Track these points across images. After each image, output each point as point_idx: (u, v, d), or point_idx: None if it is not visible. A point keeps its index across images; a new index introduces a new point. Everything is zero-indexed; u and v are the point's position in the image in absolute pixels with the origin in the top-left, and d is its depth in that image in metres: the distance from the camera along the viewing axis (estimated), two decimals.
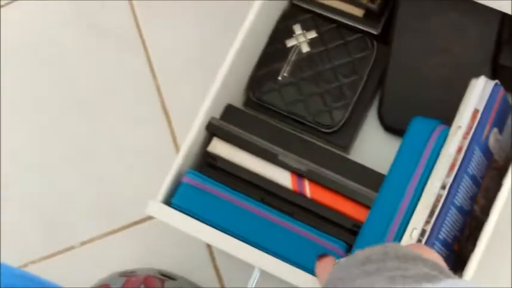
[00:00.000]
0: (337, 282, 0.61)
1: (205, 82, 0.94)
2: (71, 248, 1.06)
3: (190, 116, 0.91)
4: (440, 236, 0.82)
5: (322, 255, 0.78)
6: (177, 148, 1.07)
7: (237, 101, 1.00)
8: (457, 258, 0.88)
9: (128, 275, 0.99)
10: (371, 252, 0.63)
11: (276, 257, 0.83)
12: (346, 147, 0.97)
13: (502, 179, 0.92)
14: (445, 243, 0.83)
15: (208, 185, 0.88)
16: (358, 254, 0.64)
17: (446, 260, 0.83)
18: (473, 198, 0.86)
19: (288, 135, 0.92)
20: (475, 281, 0.91)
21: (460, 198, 0.83)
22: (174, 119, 1.08)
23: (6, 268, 0.73)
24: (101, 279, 1.00)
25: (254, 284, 0.86)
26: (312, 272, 0.82)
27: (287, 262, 0.83)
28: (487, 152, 0.86)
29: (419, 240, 0.81)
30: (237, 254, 0.84)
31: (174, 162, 0.89)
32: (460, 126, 0.84)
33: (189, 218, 0.86)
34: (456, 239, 0.85)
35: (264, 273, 0.85)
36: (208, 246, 1.03)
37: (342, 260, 0.67)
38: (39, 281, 0.76)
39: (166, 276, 0.99)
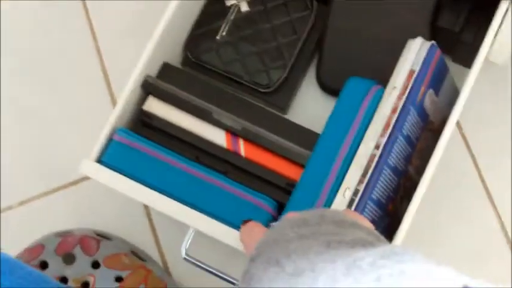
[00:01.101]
0: (271, 245, 0.59)
1: (146, 43, 0.92)
2: (9, 207, 1.04)
3: (128, 76, 0.90)
4: (373, 196, 0.81)
5: (246, 221, 0.76)
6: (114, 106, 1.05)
7: (176, 60, 0.99)
8: (392, 218, 0.87)
9: (63, 235, 0.97)
10: (307, 215, 0.61)
11: (209, 216, 0.82)
12: (284, 107, 0.96)
13: (437, 140, 0.92)
14: (378, 203, 0.83)
15: (139, 143, 0.87)
16: (294, 216, 0.62)
17: (380, 220, 0.83)
18: (407, 159, 0.86)
19: (224, 94, 0.90)
20: (409, 244, 0.91)
21: (394, 159, 0.83)
22: (113, 80, 1.06)
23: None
24: (36, 239, 0.98)
25: (188, 243, 0.85)
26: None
27: (220, 221, 0.82)
28: (422, 113, 0.86)
29: (352, 200, 0.81)
30: (169, 212, 0.83)
31: (108, 120, 0.88)
32: (395, 87, 0.84)
33: (121, 176, 0.84)
34: (390, 199, 0.85)
35: (199, 233, 0.84)
36: (145, 207, 1.01)
37: (276, 222, 0.65)
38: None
39: (103, 237, 0.98)
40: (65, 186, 1.04)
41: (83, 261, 0.94)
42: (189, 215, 0.83)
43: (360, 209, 0.80)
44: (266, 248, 0.58)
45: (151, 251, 1.00)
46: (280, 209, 0.86)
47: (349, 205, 0.80)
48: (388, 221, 0.87)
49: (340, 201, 0.81)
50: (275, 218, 0.85)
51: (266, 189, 0.87)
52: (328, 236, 0.56)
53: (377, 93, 0.85)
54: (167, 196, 0.83)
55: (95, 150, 0.87)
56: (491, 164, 1.00)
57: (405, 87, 0.84)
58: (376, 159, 0.82)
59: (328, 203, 0.82)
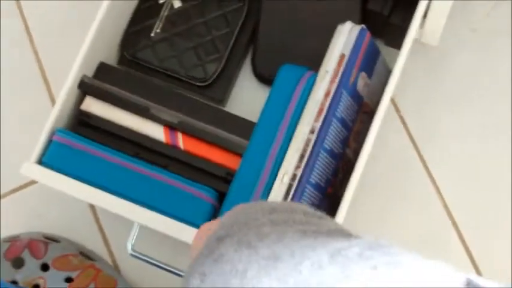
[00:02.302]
0: (242, 227, 0.56)
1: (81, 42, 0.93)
2: None
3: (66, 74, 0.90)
4: (311, 180, 0.83)
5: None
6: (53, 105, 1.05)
7: (112, 59, 0.99)
8: (331, 201, 0.89)
9: (11, 240, 0.97)
10: (276, 205, 0.60)
11: (152, 210, 0.83)
12: (222, 100, 0.97)
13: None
14: (317, 187, 0.84)
15: (79, 142, 0.87)
16: (263, 203, 0.61)
17: (320, 202, 0.85)
18: (344, 142, 0.87)
19: (161, 89, 0.91)
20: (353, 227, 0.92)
21: (330, 142, 0.84)
22: (53, 82, 1.06)
23: None
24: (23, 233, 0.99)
25: (134, 239, 0.86)
26: (184, 221, 0.83)
27: (162, 214, 0.83)
28: (355, 96, 0.87)
29: (290, 185, 0.82)
30: (112, 209, 0.84)
31: (47, 121, 0.88)
32: (327, 71, 0.85)
33: (63, 176, 0.85)
34: (329, 182, 0.87)
35: (145, 228, 0.85)
36: (91, 206, 1.02)
37: (241, 205, 0.62)
38: None
39: (50, 239, 0.98)
40: (10, 192, 1.03)
41: (32, 265, 0.94)
42: (132, 210, 0.83)
43: (298, 193, 0.81)
44: (235, 229, 0.56)
45: (100, 250, 1.00)
46: (222, 198, 0.86)
47: (288, 190, 0.82)
48: (327, 203, 0.88)
49: (279, 186, 0.82)
50: (216, 208, 0.86)
51: (207, 180, 0.88)
52: (302, 225, 0.55)
53: (310, 78, 0.86)
54: (110, 193, 0.84)
55: (35, 152, 0.87)
56: (430, 144, 1.02)
57: (337, 71, 0.85)
58: (311, 143, 0.83)
59: (267, 188, 0.83)
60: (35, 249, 0.96)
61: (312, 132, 0.83)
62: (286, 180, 0.82)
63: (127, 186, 0.86)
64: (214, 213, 0.85)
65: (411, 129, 1.02)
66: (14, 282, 0.94)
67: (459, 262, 0.98)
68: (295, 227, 0.54)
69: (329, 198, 0.88)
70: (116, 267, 0.99)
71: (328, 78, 0.85)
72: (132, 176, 0.86)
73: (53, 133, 0.88)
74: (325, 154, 0.84)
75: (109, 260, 0.99)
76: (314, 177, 0.83)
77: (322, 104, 0.84)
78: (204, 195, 0.85)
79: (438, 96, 1.03)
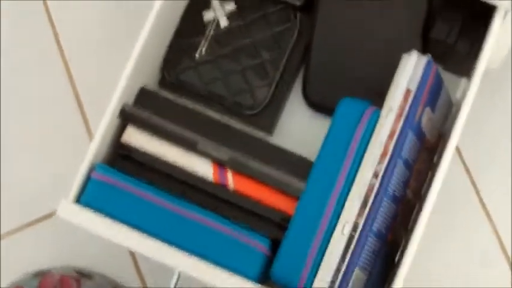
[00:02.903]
0: None
1: (119, 63, 0.86)
2: None
3: (103, 102, 0.83)
4: (374, 228, 0.76)
5: None
6: (90, 135, 0.98)
7: (153, 82, 0.92)
8: (391, 247, 0.83)
9: (41, 275, 0.92)
10: None
11: (196, 257, 0.77)
12: (270, 128, 0.90)
13: (433, 159, 0.88)
14: (379, 235, 0.78)
15: (120, 180, 0.81)
16: None
17: (380, 250, 0.79)
18: (406, 184, 0.81)
19: (207, 120, 0.84)
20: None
21: (393, 186, 0.78)
22: (86, 104, 0.99)
23: None
24: (13, 281, 0.93)
25: (176, 284, 0.80)
26: (235, 271, 0.77)
27: (208, 261, 0.77)
28: (419, 134, 0.81)
29: (351, 236, 0.76)
30: (153, 256, 0.78)
31: (86, 155, 0.81)
32: (391, 108, 0.78)
33: (103, 219, 0.79)
34: (389, 228, 0.80)
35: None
36: None
37: None
38: None
39: (82, 274, 0.92)
40: (39, 220, 0.98)
41: None
42: (176, 258, 0.77)
43: (361, 244, 0.75)
44: None
45: (135, 286, 0.94)
46: (275, 246, 0.80)
47: (349, 241, 0.76)
48: (387, 251, 0.82)
49: (339, 237, 0.76)
50: (270, 258, 0.80)
51: (259, 225, 0.81)
52: None
53: (372, 115, 0.79)
54: (152, 237, 0.78)
55: (72, 190, 0.81)
56: (485, 174, 0.96)
57: (402, 109, 0.78)
58: (375, 189, 0.76)
59: (327, 237, 0.77)
60: (67, 286, 0.90)
61: (375, 176, 0.77)
62: (347, 230, 0.76)
63: (172, 230, 0.79)
64: (267, 263, 0.79)
65: (466, 158, 0.95)
66: None
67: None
68: None
69: (388, 246, 0.82)
70: None
71: (392, 116, 0.78)
72: (176, 220, 0.80)
73: (92, 169, 0.82)
74: (388, 200, 0.78)
75: None
76: (376, 225, 0.77)
77: (386, 146, 0.77)
78: (257, 243, 0.79)
79: (496, 121, 0.96)
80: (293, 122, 0.93)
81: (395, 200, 0.79)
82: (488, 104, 0.97)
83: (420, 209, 0.81)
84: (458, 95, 0.94)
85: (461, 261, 0.93)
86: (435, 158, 0.89)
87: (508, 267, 0.93)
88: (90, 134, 0.97)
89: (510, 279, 0.93)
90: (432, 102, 0.82)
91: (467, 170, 0.95)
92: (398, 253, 0.87)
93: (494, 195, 0.95)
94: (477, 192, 0.95)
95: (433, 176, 0.82)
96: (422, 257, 0.93)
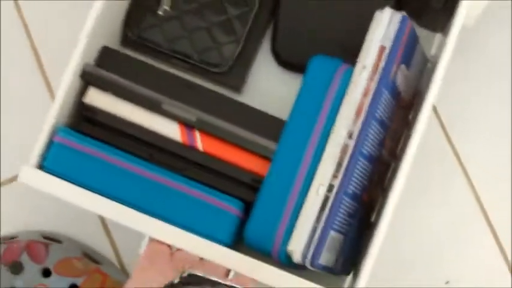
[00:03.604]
0: None
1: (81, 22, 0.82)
2: None
3: (64, 62, 0.79)
4: (349, 190, 0.74)
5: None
6: (52, 95, 0.94)
7: (115, 41, 0.88)
8: (366, 208, 0.81)
9: (7, 241, 0.88)
10: None
11: (167, 222, 0.74)
12: (238, 87, 0.87)
13: (408, 117, 0.86)
14: (354, 196, 0.76)
15: (84, 144, 0.77)
16: None
17: (356, 212, 0.77)
18: (381, 143, 0.79)
19: (173, 80, 0.81)
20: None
21: (368, 146, 0.76)
22: (47, 64, 0.95)
23: None
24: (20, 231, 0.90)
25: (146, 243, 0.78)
26: (207, 236, 0.74)
27: (180, 227, 0.74)
28: (394, 92, 0.78)
29: (326, 197, 0.73)
30: (121, 221, 0.75)
31: (47, 118, 0.78)
32: (365, 66, 0.76)
33: (66, 184, 0.75)
34: (365, 189, 0.78)
35: None
36: None
37: None
38: None
39: (51, 239, 0.89)
40: (2, 184, 0.94)
41: (32, 270, 0.85)
42: (146, 223, 0.74)
43: (336, 205, 0.73)
44: None
45: (106, 250, 0.91)
46: (247, 208, 0.78)
47: (324, 202, 0.73)
48: (363, 212, 0.80)
49: (314, 199, 0.74)
50: (242, 220, 0.77)
51: (230, 186, 0.79)
52: None
53: (346, 73, 0.77)
54: (120, 203, 0.75)
55: (34, 154, 0.77)
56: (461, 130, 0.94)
57: (376, 66, 0.76)
58: (350, 150, 0.74)
59: (301, 198, 0.74)
60: (34, 252, 0.87)
61: (349, 137, 0.74)
62: (322, 192, 0.73)
63: (139, 195, 0.76)
64: (240, 226, 0.77)
65: (442, 116, 0.94)
66: None
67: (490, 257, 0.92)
68: None
69: (364, 206, 0.80)
70: (124, 271, 0.90)
71: (366, 74, 0.75)
72: (145, 184, 0.77)
73: (54, 133, 0.78)
74: (363, 160, 0.75)
75: (115, 262, 0.91)
76: (351, 187, 0.75)
77: (360, 104, 0.75)
78: (229, 206, 0.76)
79: (469, 78, 0.94)
80: (263, 81, 0.90)
81: (371, 160, 0.77)
82: (460, 62, 0.95)
83: (397, 168, 0.79)
84: (433, 51, 0.91)
85: (438, 219, 0.92)
86: (410, 116, 0.87)
87: (485, 223, 0.92)
88: (52, 97, 0.93)
89: (490, 235, 0.92)
90: (407, 59, 0.79)
91: (442, 126, 0.94)
92: (375, 213, 0.86)
93: (469, 149, 0.93)
94: (452, 148, 0.93)
95: (409, 134, 0.79)
96: (398, 215, 0.91)
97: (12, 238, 0.89)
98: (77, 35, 0.86)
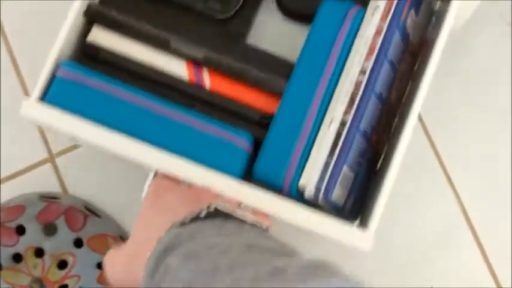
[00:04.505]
0: (187, 239, 0.57)
1: None
2: None
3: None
4: (361, 127, 0.73)
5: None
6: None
7: None
8: (375, 150, 0.80)
9: (48, 200, 0.85)
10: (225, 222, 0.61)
11: (175, 156, 0.72)
12: (243, 34, 0.86)
13: (415, 64, 0.86)
14: (364, 135, 0.75)
15: (89, 77, 0.75)
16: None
17: (365, 152, 0.76)
18: (391, 85, 0.78)
19: (179, 19, 0.79)
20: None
21: (380, 85, 0.75)
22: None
23: None
24: (17, 196, 0.86)
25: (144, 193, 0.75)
26: (216, 170, 0.72)
27: (188, 160, 0.72)
28: (404, 35, 0.78)
29: (339, 132, 0.72)
30: (128, 153, 0.72)
31: (49, 54, 0.75)
32: (377, 6, 0.75)
33: (70, 116, 0.73)
34: (374, 129, 0.77)
35: None
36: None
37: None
38: None
39: (92, 212, 0.86)
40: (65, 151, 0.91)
41: (64, 236, 0.83)
42: (154, 157, 0.72)
43: (348, 142, 0.72)
44: (182, 239, 0.56)
45: None
46: (257, 146, 0.76)
47: (337, 137, 0.72)
48: (371, 155, 0.79)
49: (325, 134, 0.73)
50: (252, 156, 0.75)
51: (238, 124, 0.77)
52: (248, 240, 0.55)
53: (357, 15, 0.76)
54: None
55: (36, 89, 0.75)
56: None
57: (389, 7, 0.75)
58: (363, 86, 0.73)
59: (312, 135, 0.73)
60: (72, 218, 0.84)
61: (362, 73, 0.74)
62: (334, 128, 0.72)
63: (146, 129, 0.74)
64: (250, 163, 0.75)
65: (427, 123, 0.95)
66: (40, 250, 0.82)
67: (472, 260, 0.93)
68: (241, 241, 0.54)
69: (372, 149, 0.79)
70: None
71: (378, 15, 0.75)
72: (151, 117, 0.74)
73: (56, 67, 0.76)
74: (375, 98, 0.75)
75: None
76: (363, 124, 0.74)
77: (373, 43, 0.74)
78: (239, 140, 0.74)
79: (456, 83, 0.96)
80: (267, 30, 0.88)
81: (381, 100, 0.76)
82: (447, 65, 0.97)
83: (403, 116, 0.78)
84: (437, 5, 0.91)
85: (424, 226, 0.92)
86: (416, 67, 0.87)
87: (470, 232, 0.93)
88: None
89: (474, 243, 0.92)
90: (416, 5, 0.80)
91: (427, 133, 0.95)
92: (380, 161, 0.85)
93: (454, 155, 0.95)
94: (437, 155, 0.94)
95: (415, 84, 0.79)
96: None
97: (54, 198, 0.85)
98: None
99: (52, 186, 0.91)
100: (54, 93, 0.75)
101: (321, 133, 0.73)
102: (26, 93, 0.96)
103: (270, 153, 0.73)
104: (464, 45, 0.98)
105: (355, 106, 0.73)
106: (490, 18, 0.99)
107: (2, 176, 0.93)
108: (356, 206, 0.79)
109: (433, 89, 0.75)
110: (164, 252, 0.56)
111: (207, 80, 0.77)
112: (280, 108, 0.74)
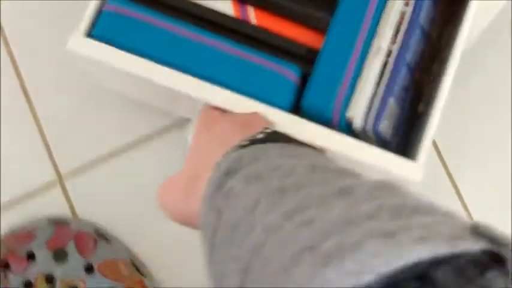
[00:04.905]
0: (251, 161, 0.55)
1: None
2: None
3: None
4: (406, 58, 0.74)
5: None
6: None
7: None
8: (416, 89, 0.80)
9: (58, 224, 0.85)
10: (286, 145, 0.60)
11: (224, 88, 0.73)
12: None
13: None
14: (409, 68, 0.75)
15: (137, 11, 0.75)
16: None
17: (409, 89, 0.76)
18: (432, 20, 0.79)
19: None
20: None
21: (423, 19, 0.76)
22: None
23: None
24: (26, 221, 0.86)
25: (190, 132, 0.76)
26: (265, 100, 0.73)
27: (237, 92, 0.73)
28: None
29: (385, 64, 0.73)
30: (176, 86, 0.73)
31: None
32: None
33: (118, 50, 0.73)
34: (418, 64, 0.78)
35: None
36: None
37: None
38: None
39: (102, 236, 0.86)
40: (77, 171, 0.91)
41: (75, 261, 0.83)
42: (204, 89, 0.73)
43: (395, 70, 0.73)
44: (244, 162, 0.54)
45: (150, 264, 0.89)
46: (303, 80, 0.76)
47: (383, 67, 0.73)
48: (414, 92, 0.80)
49: (371, 64, 0.73)
50: (300, 89, 0.76)
51: (285, 58, 0.77)
52: (311, 160, 0.54)
53: None
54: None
55: (82, 24, 0.75)
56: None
57: None
58: (407, 17, 0.74)
59: (359, 67, 0.74)
60: (82, 243, 0.83)
61: (406, 4, 0.74)
62: (382, 55, 0.73)
63: (194, 61, 0.74)
64: (297, 95, 0.75)
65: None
66: (51, 277, 0.82)
67: None
68: (305, 162, 0.53)
69: (415, 86, 0.79)
70: None
71: None
72: (201, 50, 0.74)
73: (103, 4, 0.76)
74: (418, 31, 0.75)
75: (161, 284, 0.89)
76: (408, 56, 0.74)
77: None
78: (287, 71, 0.74)
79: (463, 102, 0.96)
80: None
81: (424, 34, 0.77)
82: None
83: (443, 59, 0.79)
84: None
85: None
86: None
87: None
88: None
89: None
90: None
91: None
92: (421, 103, 0.85)
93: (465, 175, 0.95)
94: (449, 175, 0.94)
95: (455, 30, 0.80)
96: None
97: (64, 222, 0.86)
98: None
99: (61, 208, 0.91)
100: (101, 27, 0.75)
101: (367, 63, 0.73)
102: (26, 93, 0.96)
103: (318, 86, 0.73)
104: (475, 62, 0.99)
105: (400, 36, 0.73)
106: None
107: (10, 198, 0.91)
108: (400, 146, 0.79)
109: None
110: (225, 175, 0.54)
111: (253, 15, 0.78)
112: (327, 41, 0.75)
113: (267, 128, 0.62)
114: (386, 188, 0.46)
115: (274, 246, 0.43)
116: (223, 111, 0.72)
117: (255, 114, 0.69)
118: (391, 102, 0.73)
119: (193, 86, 0.73)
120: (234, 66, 0.74)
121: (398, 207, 0.42)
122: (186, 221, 0.64)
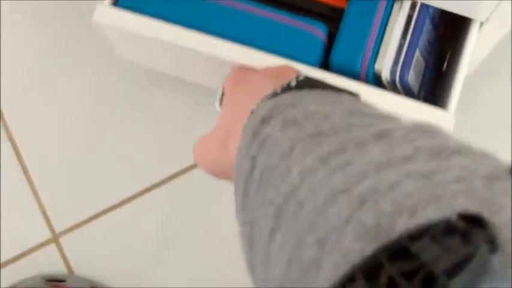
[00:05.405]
0: (285, 107, 0.54)
1: None
2: None
3: None
4: (430, 10, 0.75)
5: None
6: None
7: None
8: (441, 44, 0.81)
9: (54, 283, 0.85)
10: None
11: (252, 47, 0.73)
12: None
13: None
14: (433, 21, 0.76)
15: None
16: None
17: (434, 42, 0.77)
18: None
19: None
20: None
21: None
22: None
23: None
24: (22, 281, 0.86)
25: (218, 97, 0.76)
26: (293, 58, 0.73)
27: (265, 51, 0.73)
28: None
29: (410, 16, 0.74)
30: (205, 49, 0.73)
31: None
32: None
33: (144, 17, 0.74)
34: (441, 19, 0.79)
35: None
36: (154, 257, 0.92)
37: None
38: None
39: None
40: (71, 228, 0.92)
41: None
42: (232, 49, 0.73)
43: (419, 23, 0.73)
44: (280, 109, 0.53)
45: None
46: (330, 38, 0.77)
47: (408, 20, 0.74)
48: (439, 46, 0.81)
49: (396, 16, 0.74)
50: (327, 48, 0.76)
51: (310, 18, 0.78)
52: (348, 105, 0.53)
53: None
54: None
55: None
56: None
57: None
58: None
59: (385, 21, 0.74)
60: None
61: None
62: (406, 7, 0.74)
63: (222, 24, 0.75)
64: (325, 53, 0.76)
65: None
66: None
67: None
68: (342, 108, 0.52)
69: (439, 40, 0.80)
70: None
71: None
72: (227, 12, 0.75)
73: None
74: None
75: None
76: (431, 9, 0.75)
77: None
78: (315, 29, 0.75)
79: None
80: None
81: None
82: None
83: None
84: None
85: None
86: None
87: None
88: None
89: None
90: None
91: None
92: (445, 63, 0.86)
93: None
94: None
95: None
96: None
97: (60, 281, 0.86)
98: None
99: (56, 266, 0.91)
100: None
101: (392, 16, 0.74)
102: (21, 162, 0.97)
103: (346, 42, 0.74)
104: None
105: None
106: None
107: (5, 259, 0.92)
108: (428, 99, 0.80)
109: None
110: (261, 123, 0.53)
111: None
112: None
113: (299, 76, 0.62)
114: (425, 130, 0.45)
115: (309, 189, 0.43)
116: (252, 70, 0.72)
117: (285, 66, 0.69)
118: (417, 54, 0.74)
119: (223, 48, 0.73)
120: (261, 26, 0.75)
121: (437, 149, 0.41)
122: (222, 173, 0.64)
